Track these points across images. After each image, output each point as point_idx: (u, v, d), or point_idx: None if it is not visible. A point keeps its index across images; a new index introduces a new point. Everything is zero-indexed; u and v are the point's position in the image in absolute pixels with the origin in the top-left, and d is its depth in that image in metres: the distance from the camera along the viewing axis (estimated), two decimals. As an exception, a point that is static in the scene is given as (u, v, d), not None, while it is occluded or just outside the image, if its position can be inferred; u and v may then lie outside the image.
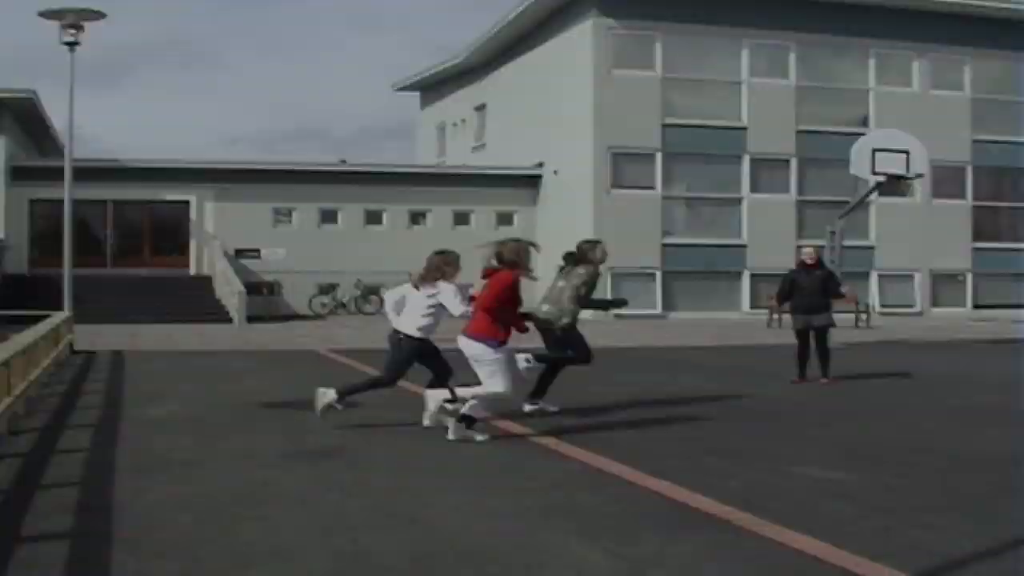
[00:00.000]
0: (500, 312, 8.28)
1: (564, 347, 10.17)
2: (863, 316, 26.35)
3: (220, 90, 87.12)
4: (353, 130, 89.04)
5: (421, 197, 32.01)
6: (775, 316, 25.60)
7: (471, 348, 8.26)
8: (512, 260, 8.56)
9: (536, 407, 9.96)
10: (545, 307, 10.23)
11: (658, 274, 28.62)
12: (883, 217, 30.58)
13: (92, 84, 77.02)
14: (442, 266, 8.90)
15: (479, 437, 8.21)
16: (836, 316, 13.63)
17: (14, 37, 75.93)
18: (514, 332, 8.46)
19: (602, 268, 10.24)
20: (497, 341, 8.22)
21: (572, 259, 10.47)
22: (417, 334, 8.90)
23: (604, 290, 28.30)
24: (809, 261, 13.03)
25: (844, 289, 12.98)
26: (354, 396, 9.31)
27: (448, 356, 9.09)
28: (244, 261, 30.31)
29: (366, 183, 31.81)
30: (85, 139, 67.10)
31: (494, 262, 8.57)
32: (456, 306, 8.65)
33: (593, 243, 10.62)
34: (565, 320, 10.16)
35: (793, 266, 13.83)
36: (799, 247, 14.21)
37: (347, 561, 4.94)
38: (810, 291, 12.79)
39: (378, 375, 9.24)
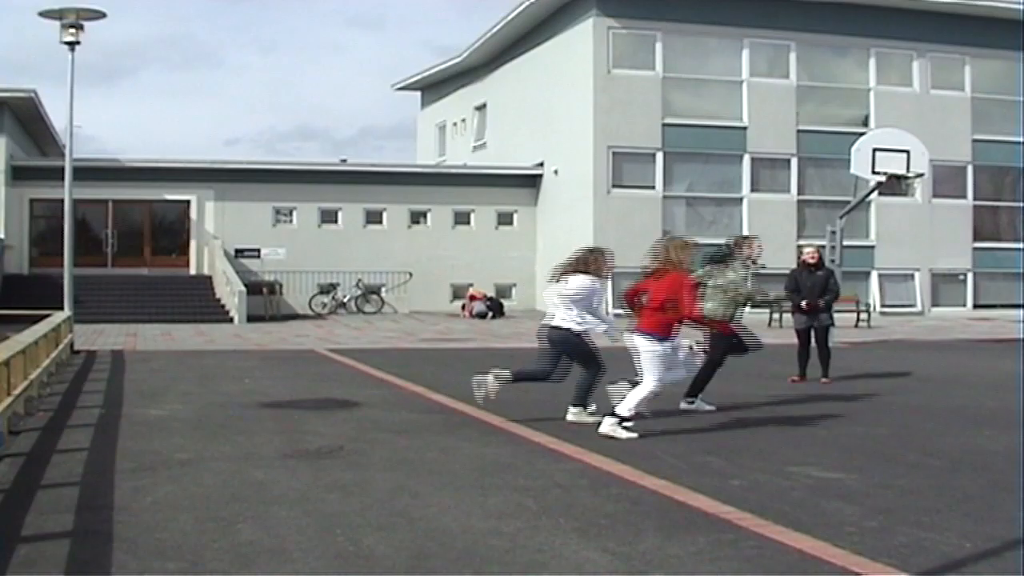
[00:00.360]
0: (669, 311, 8.56)
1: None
2: (863, 316, 26.36)
3: (221, 90, 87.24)
4: (354, 130, 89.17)
5: (421, 197, 32.00)
6: (776, 316, 25.60)
7: (638, 341, 8.57)
8: (679, 259, 8.87)
9: (691, 406, 10.32)
10: (710, 305, 10.50)
11: (658, 274, 28.58)
12: (883, 217, 30.55)
13: (93, 84, 77.13)
14: (587, 260, 9.22)
15: (625, 435, 8.35)
16: (836, 316, 13.68)
17: (15, 37, 75.99)
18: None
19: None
20: (664, 337, 8.54)
21: (721, 254, 10.65)
22: (563, 324, 9.13)
23: (605, 289, 28.30)
24: (811, 261, 13.08)
25: (805, 303, 12.82)
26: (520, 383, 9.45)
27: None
28: (244, 261, 30.31)
29: (366, 183, 31.81)
30: (85, 139, 67.10)
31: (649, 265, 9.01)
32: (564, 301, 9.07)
33: (748, 239, 10.96)
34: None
35: (794, 265, 13.85)
36: (799, 247, 14.21)
37: (347, 561, 4.93)
38: (811, 291, 12.85)
39: (595, 370, 9.27)
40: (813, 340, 12.98)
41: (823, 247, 15.88)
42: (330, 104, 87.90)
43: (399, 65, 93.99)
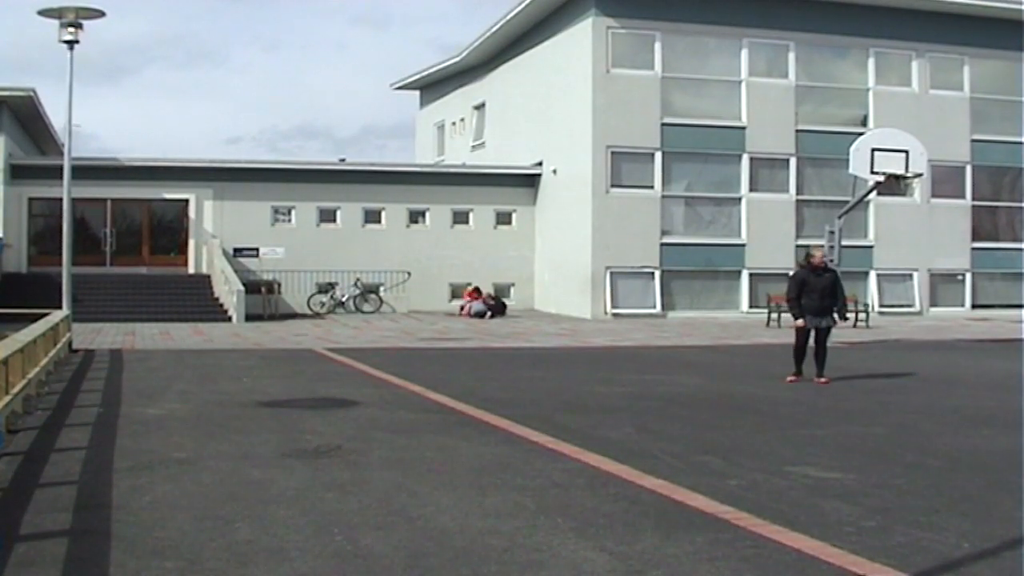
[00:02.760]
0: None
1: None
2: (862, 316, 26.36)
3: (223, 88, 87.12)
4: (356, 128, 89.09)
5: (420, 196, 31.98)
6: (775, 316, 25.60)
7: None
8: None
9: None
10: None
11: (657, 273, 28.61)
12: (882, 217, 30.55)
13: (96, 82, 77.05)
14: None
15: None
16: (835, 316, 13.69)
17: (18, 35, 75.95)
18: None
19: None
20: None
21: None
22: None
23: (604, 289, 28.34)
24: (819, 262, 13.07)
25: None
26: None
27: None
28: (243, 260, 30.29)
29: (365, 182, 31.78)
30: (87, 137, 67.10)
31: None
32: None
33: None
34: None
35: (793, 265, 13.84)
36: (798, 247, 14.23)
37: (345, 560, 4.93)
38: (821, 293, 12.87)
39: None
40: (813, 339, 12.95)
41: (821, 247, 15.84)
42: (333, 103, 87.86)
43: (403, 63, 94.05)
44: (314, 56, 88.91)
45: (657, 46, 29.19)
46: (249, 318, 26.14)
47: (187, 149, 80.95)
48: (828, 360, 13.05)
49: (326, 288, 30.41)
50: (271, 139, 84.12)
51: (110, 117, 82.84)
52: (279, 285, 29.29)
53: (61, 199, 18.65)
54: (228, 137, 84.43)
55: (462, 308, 29.95)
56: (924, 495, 6.48)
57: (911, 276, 31.23)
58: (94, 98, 75.90)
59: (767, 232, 29.44)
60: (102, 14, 16.97)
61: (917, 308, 31.05)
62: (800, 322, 12.99)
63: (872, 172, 18.61)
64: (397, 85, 42.62)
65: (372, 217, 31.78)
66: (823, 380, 12.73)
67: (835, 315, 13.09)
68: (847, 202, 20.69)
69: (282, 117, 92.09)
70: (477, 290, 30.21)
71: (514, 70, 33.66)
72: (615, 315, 27.88)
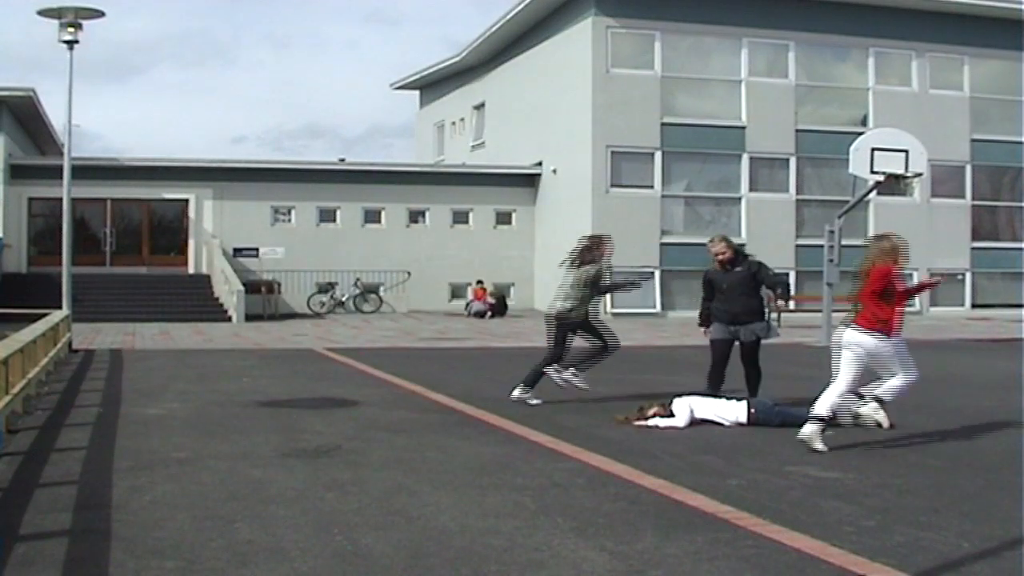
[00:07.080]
0: None
1: None
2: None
3: (232, 87, 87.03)
4: (362, 128, 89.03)
5: (419, 196, 32.01)
6: (774, 316, 25.58)
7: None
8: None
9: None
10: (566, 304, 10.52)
11: (657, 273, 28.64)
12: (882, 216, 30.52)
13: (105, 81, 76.98)
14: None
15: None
16: (833, 315, 13.52)
17: (25, 33, 75.90)
18: None
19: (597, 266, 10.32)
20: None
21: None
22: None
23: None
24: (721, 258, 9.84)
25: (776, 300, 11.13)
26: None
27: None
28: (242, 260, 30.31)
29: (364, 182, 31.81)
30: (91, 137, 67.11)
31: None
32: None
33: (601, 239, 10.74)
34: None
35: (792, 265, 13.69)
36: (798, 246, 14.04)
37: (345, 560, 4.93)
38: (728, 295, 9.79)
39: None
40: (742, 356, 10.05)
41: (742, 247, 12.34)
42: (340, 102, 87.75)
43: (414, 62, 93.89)
44: (324, 54, 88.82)
45: (657, 46, 29.21)
46: (249, 318, 26.16)
47: (192, 148, 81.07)
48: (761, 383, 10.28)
49: (326, 288, 30.43)
50: (276, 138, 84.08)
51: (118, 116, 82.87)
52: (279, 285, 29.29)
53: (61, 199, 18.66)
54: (233, 136, 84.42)
55: (466, 308, 29.98)
56: (924, 495, 6.47)
57: (911, 276, 31.21)
58: (102, 97, 75.97)
59: (767, 232, 29.42)
60: (101, 14, 16.97)
61: (917, 308, 31.04)
62: (703, 331, 10.18)
63: (872, 172, 18.62)
64: (397, 85, 42.62)
65: (372, 217, 31.80)
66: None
67: (768, 322, 10.27)
68: (847, 202, 20.70)
69: (289, 116, 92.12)
70: (484, 288, 30.22)
71: (514, 70, 33.67)
72: (615, 315, 27.89)
